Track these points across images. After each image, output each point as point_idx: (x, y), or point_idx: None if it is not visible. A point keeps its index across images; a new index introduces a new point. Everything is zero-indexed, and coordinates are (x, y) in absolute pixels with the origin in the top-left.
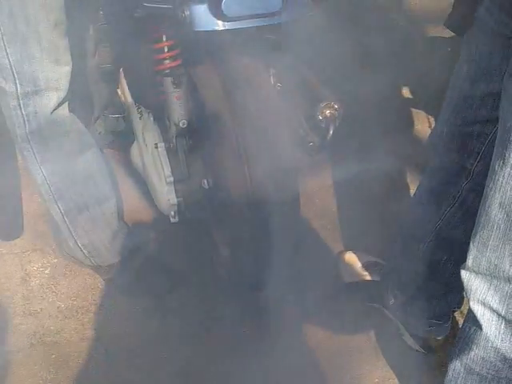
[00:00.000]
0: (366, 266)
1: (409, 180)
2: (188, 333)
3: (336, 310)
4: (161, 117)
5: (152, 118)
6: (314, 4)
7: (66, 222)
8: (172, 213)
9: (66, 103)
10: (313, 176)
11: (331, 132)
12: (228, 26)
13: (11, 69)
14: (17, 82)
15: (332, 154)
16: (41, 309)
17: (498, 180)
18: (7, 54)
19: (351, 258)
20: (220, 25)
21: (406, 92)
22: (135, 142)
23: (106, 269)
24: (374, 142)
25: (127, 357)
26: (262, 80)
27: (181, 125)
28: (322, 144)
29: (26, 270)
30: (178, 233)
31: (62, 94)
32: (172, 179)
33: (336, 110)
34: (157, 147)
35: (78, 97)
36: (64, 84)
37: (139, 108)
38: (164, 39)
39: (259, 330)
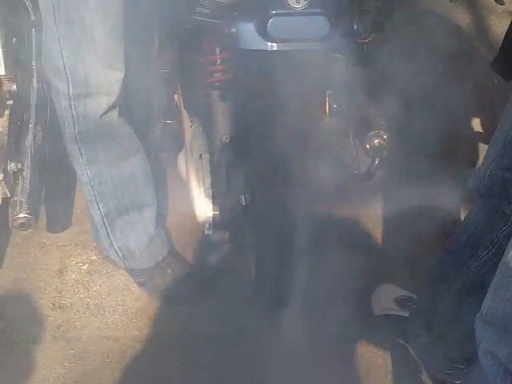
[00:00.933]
0: (398, 301)
1: (452, 218)
2: (212, 344)
3: (361, 339)
4: (208, 128)
5: (201, 128)
6: (366, 32)
7: (104, 223)
8: (207, 225)
9: (117, 108)
10: (355, 203)
11: (377, 162)
12: (272, 46)
13: (65, 70)
14: (69, 83)
15: (378, 183)
16: (70, 303)
17: None
18: (62, 56)
19: (385, 290)
20: (265, 45)
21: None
22: (183, 149)
23: (138, 272)
24: (419, 176)
25: (143, 362)
26: (313, 101)
27: (224, 139)
28: (368, 173)
29: (64, 263)
30: (212, 243)
31: (113, 99)
32: (210, 192)
33: (385, 140)
34: (201, 157)
35: (134, 101)
36: (115, 89)
37: (191, 116)
38: (217, 52)
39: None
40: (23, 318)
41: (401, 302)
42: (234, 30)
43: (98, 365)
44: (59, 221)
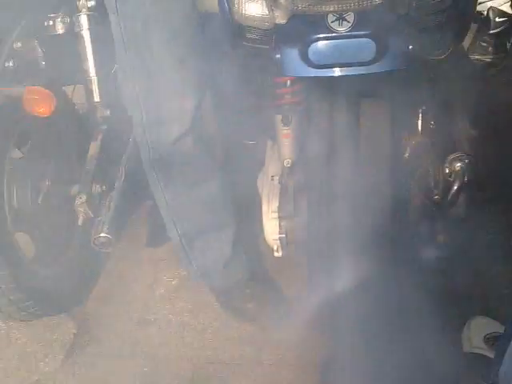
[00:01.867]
0: (488, 339)
1: None
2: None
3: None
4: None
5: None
6: (417, 55)
7: (182, 243)
8: (275, 247)
9: (191, 135)
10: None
11: (455, 188)
12: (316, 73)
13: (137, 98)
14: (142, 111)
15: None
16: (154, 319)
17: None
18: (134, 84)
19: (479, 324)
20: (308, 71)
21: None
22: (263, 169)
23: (218, 291)
24: None
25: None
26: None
27: (285, 164)
28: (445, 200)
29: (156, 277)
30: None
31: (185, 127)
32: (277, 214)
33: (466, 164)
34: (272, 179)
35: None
36: (187, 118)
37: (268, 138)
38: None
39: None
40: (109, 330)
41: (490, 340)
42: (278, 56)
43: None
44: (157, 235)
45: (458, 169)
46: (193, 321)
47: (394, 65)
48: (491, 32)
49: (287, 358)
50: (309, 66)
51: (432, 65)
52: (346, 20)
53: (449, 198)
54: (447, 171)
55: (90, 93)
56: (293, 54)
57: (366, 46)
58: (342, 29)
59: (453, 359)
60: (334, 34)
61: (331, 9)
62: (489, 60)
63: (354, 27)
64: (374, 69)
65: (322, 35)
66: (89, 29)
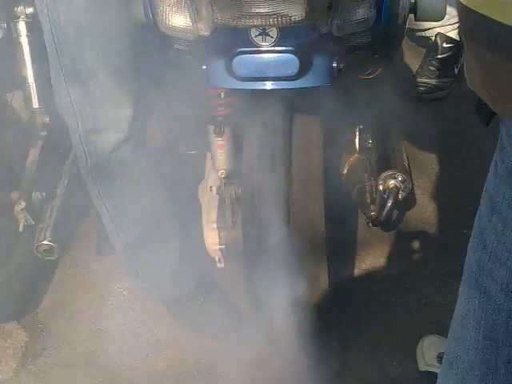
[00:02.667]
0: (440, 357)
1: None
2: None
3: None
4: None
5: None
6: (344, 74)
7: (127, 253)
8: (217, 258)
9: (129, 144)
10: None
11: (388, 205)
12: (241, 85)
13: (72, 106)
14: (78, 119)
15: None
16: (106, 329)
17: None
18: (69, 92)
19: (432, 343)
20: (232, 83)
21: None
22: (203, 179)
23: (169, 303)
24: None
25: None
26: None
27: (219, 174)
28: (380, 217)
29: (107, 287)
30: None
31: (122, 135)
32: (215, 226)
33: (400, 181)
34: (211, 190)
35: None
36: (124, 126)
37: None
38: None
39: None
40: (62, 340)
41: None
42: (204, 67)
43: None
44: (107, 244)
45: (391, 186)
46: (146, 332)
47: (317, 81)
48: (439, 57)
49: (243, 371)
50: (234, 78)
51: (364, 84)
52: (269, 35)
53: (383, 214)
54: (381, 188)
55: (28, 99)
56: (218, 66)
57: (289, 61)
58: (266, 43)
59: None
60: (257, 49)
61: (253, 23)
62: (436, 83)
63: (277, 42)
64: (297, 84)
65: (245, 49)
66: (27, 35)
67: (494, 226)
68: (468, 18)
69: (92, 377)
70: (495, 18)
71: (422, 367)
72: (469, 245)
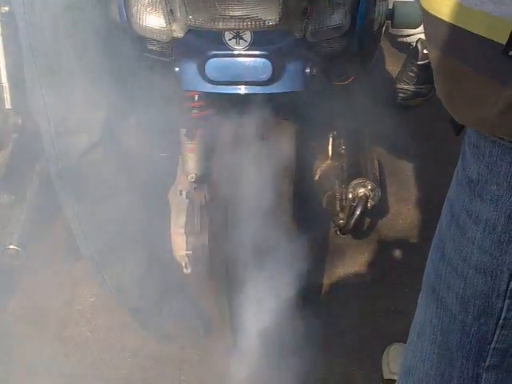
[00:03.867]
0: None
1: None
2: None
3: None
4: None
5: None
6: (318, 80)
7: (94, 259)
8: (184, 263)
9: (101, 147)
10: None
11: (357, 214)
12: (213, 89)
13: (45, 107)
14: (50, 121)
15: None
16: (71, 336)
17: None
18: (42, 93)
19: (397, 351)
20: (204, 87)
21: None
22: (175, 183)
23: (136, 310)
24: None
25: None
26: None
27: (189, 178)
28: (348, 225)
29: (74, 293)
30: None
31: (94, 138)
32: (183, 230)
33: (370, 190)
34: (181, 194)
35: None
36: (96, 128)
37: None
38: None
39: None
40: (25, 346)
41: None
42: (177, 69)
43: None
44: (76, 249)
45: (361, 194)
46: (111, 340)
47: (291, 87)
48: (419, 63)
49: (209, 379)
50: (206, 81)
51: (338, 90)
52: (243, 39)
53: (351, 222)
54: (350, 196)
55: (1, 100)
56: (191, 69)
57: (262, 65)
58: (239, 47)
59: None
60: (230, 52)
61: (226, 26)
62: (415, 90)
63: (250, 46)
64: (270, 89)
65: (218, 52)
66: (1, 34)
67: (452, 235)
68: (427, 22)
69: None
70: (455, 23)
71: (387, 375)
72: (429, 253)
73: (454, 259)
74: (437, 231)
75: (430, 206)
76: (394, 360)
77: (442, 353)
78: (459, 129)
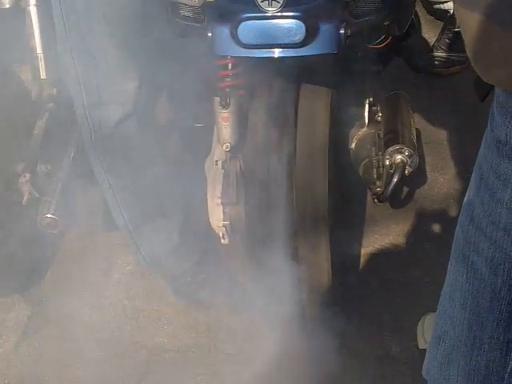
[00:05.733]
0: None
1: None
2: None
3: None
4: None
5: None
6: (352, 42)
7: (129, 228)
8: (221, 234)
9: (134, 117)
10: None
11: (394, 181)
12: (245, 53)
13: (78, 78)
14: (83, 91)
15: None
16: (109, 303)
17: None
18: (75, 64)
19: (432, 321)
20: (238, 51)
21: None
22: (211, 153)
23: (170, 279)
24: None
25: (166, 373)
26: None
27: (224, 148)
28: (385, 193)
29: (111, 262)
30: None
31: (127, 109)
32: (219, 201)
33: (407, 156)
34: (217, 164)
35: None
36: (129, 99)
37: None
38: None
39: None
40: (63, 314)
41: None
42: (209, 34)
43: (121, 371)
44: (112, 219)
45: (398, 161)
46: (148, 307)
47: (325, 48)
48: (456, 29)
49: (243, 347)
50: (239, 45)
51: (373, 53)
52: (275, 0)
53: (389, 190)
54: (388, 163)
55: (36, 70)
56: (223, 33)
57: (295, 27)
58: (272, 9)
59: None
60: (263, 14)
61: None
62: (452, 57)
63: (283, 8)
64: (304, 51)
65: (251, 15)
66: (36, 5)
67: (481, 198)
68: None
69: (92, 351)
70: None
71: (422, 345)
72: (459, 217)
73: (482, 222)
74: (466, 195)
75: (466, 176)
76: (429, 330)
77: (472, 318)
78: (484, 94)
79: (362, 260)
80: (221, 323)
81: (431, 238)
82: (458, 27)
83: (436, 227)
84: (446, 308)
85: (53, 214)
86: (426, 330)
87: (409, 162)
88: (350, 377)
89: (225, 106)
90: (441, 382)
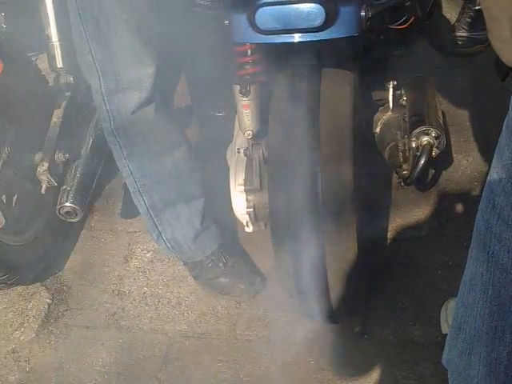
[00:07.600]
0: None
1: None
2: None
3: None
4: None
5: None
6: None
7: (150, 214)
8: (245, 222)
9: (153, 103)
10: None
11: (421, 163)
12: (264, 39)
13: (95, 65)
14: (100, 78)
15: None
16: (129, 291)
17: None
18: (91, 51)
19: (455, 306)
20: (255, 38)
21: None
22: (232, 141)
23: (191, 265)
24: None
25: (186, 359)
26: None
27: (246, 135)
28: (412, 176)
29: (131, 249)
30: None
31: (145, 95)
32: (243, 188)
33: (434, 137)
34: (239, 152)
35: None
36: (147, 85)
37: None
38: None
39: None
40: (84, 302)
41: None
42: (227, 22)
43: (141, 358)
44: (132, 207)
45: (425, 143)
46: (168, 294)
47: (345, 31)
48: (477, 8)
49: (263, 334)
50: (257, 32)
51: (395, 34)
52: None
53: (416, 172)
54: (414, 145)
55: (53, 59)
56: (241, 20)
57: (315, 11)
58: None
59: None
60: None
61: None
62: (474, 37)
63: None
64: (324, 35)
65: (268, 0)
66: None
67: (502, 185)
68: None
69: (113, 338)
70: None
71: (445, 330)
72: (479, 205)
73: (504, 210)
74: (487, 183)
75: (490, 158)
76: (452, 315)
77: (493, 307)
78: (504, 74)
79: (384, 244)
80: (241, 310)
81: (454, 222)
82: (479, 5)
83: (459, 211)
84: (466, 297)
85: (72, 203)
86: (450, 315)
87: (436, 143)
88: (372, 362)
89: (245, 93)
90: (461, 371)
